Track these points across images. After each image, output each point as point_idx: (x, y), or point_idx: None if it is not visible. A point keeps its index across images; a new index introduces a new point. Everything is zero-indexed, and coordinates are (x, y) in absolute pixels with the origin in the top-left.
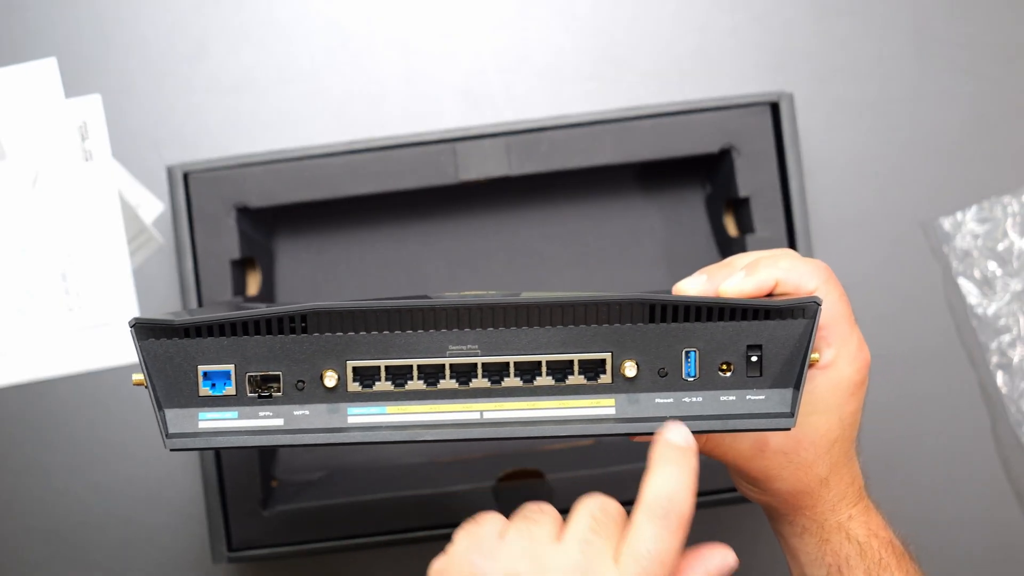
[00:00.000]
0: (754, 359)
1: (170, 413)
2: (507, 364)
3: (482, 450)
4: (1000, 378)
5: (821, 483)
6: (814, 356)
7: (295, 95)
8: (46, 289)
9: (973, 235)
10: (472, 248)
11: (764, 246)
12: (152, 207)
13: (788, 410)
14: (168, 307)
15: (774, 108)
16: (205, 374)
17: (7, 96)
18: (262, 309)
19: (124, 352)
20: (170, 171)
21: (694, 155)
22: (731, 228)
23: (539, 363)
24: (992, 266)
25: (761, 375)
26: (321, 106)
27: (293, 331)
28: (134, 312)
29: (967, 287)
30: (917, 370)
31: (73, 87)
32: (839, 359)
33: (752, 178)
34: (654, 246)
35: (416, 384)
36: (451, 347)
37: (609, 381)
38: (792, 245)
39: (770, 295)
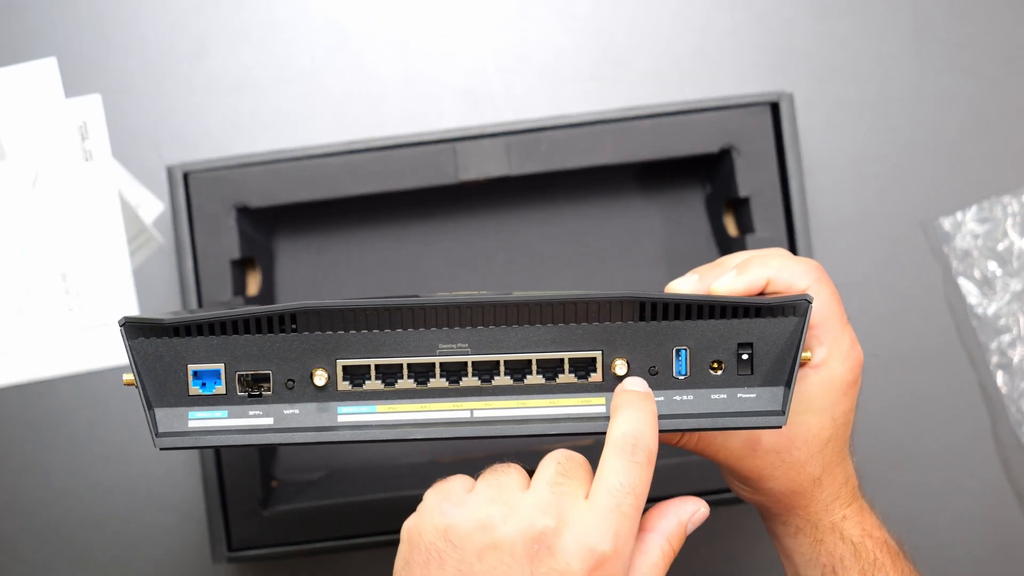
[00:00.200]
0: (745, 357)
1: (160, 412)
2: (497, 363)
3: (483, 449)
4: (1000, 378)
5: (814, 483)
6: (806, 355)
7: (295, 95)
8: (46, 289)
9: (973, 235)
10: (472, 248)
11: (764, 246)
12: (152, 207)
13: (779, 408)
14: (168, 307)
15: (774, 108)
16: (195, 373)
17: (7, 96)
18: (252, 308)
19: (124, 352)
20: (170, 171)
21: (694, 155)
22: (731, 228)
23: (529, 362)
24: (992, 266)
25: (752, 373)
26: (321, 106)
27: (283, 330)
28: (134, 312)
29: (967, 287)
30: (917, 370)
31: (73, 87)
32: (831, 358)
33: (752, 178)
34: (654, 246)
35: (406, 383)
36: (441, 346)
37: (600, 380)
38: (792, 245)
39: (761, 294)
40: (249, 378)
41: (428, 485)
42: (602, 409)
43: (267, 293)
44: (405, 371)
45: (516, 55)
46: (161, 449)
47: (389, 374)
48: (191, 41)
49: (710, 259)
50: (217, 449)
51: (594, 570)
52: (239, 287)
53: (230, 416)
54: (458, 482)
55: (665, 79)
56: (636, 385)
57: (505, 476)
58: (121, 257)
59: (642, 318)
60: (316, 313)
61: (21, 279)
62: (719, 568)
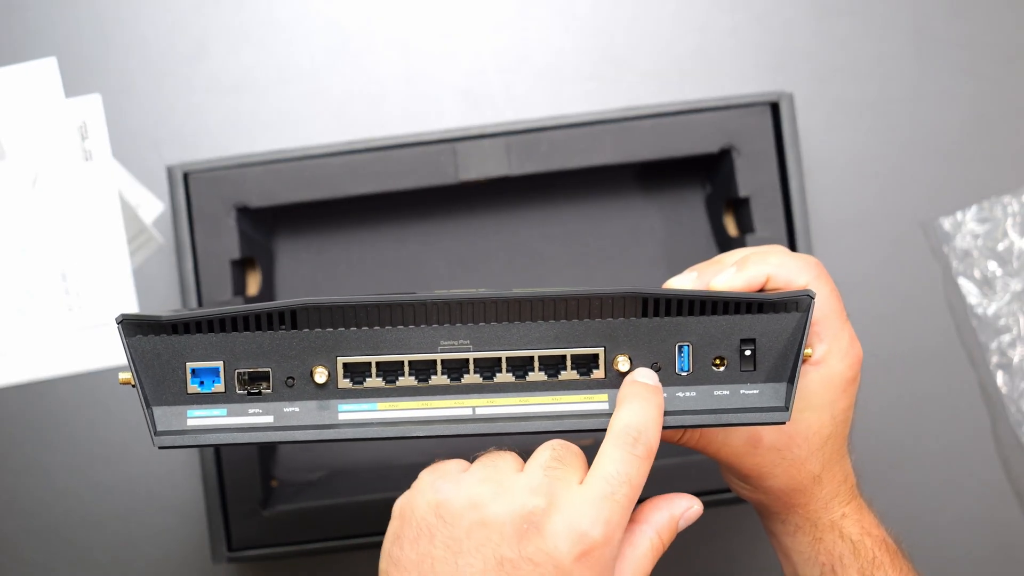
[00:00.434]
0: (747, 353)
1: (158, 411)
2: (499, 359)
3: (484, 448)
4: (1000, 378)
5: (814, 480)
6: (806, 352)
7: (295, 95)
8: (46, 289)
9: (973, 235)
10: (472, 248)
11: (763, 245)
12: (152, 207)
13: (783, 404)
14: (168, 307)
15: (774, 108)
16: (193, 371)
17: (7, 96)
18: (251, 305)
19: (122, 351)
20: (170, 171)
21: (694, 155)
22: (731, 228)
23: (531, 358)
24: (992, 266)
25: (755, 369)
26: (321, 106)
27: (283, 327)
28: (134, 312)
29: (967, 287)
30: (917, 370)
31: (73, 87)
32: (831, 355)
33: (752, 178)
34: (654, 246)
35: (407, 380)
36: (442, 343)
37: (602, 376)
38: (792, 245)
39: (761, 291)
40: (248, 376)
41: None
42: (604, 406)
43: (267, 293)
44: (406, 368)
45: (516, 55)
46: (160, 448)
47: (390, 371)
48: (191, 41)
49: (710, 259)
50: (217, 448)
51: (582, 556)
52: (239, 287)
53: (229, 414)
54: (454, 463)
55: (665, 79)
56: (646, 377)
57: (500, 459)
58: (121, 257)
59: (644, 314)
60: (316, 310)
61: (21, 279)
62: (719, 568)
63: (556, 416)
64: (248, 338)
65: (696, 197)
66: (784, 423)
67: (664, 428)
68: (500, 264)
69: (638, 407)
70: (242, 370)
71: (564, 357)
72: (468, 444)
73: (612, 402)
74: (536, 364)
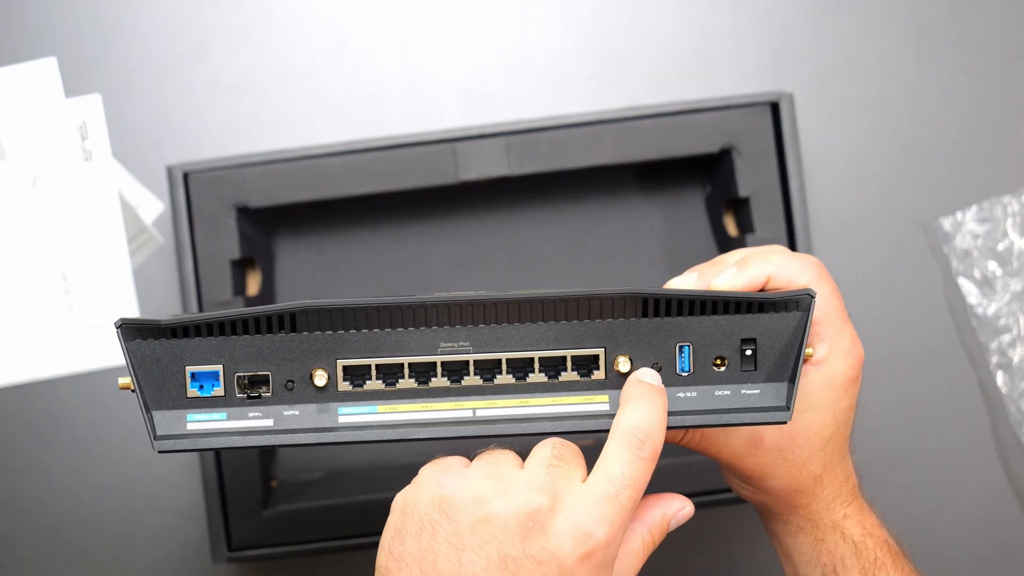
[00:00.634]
0: (748, 353)
1: (158, 415)
2: (499, 361)
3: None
4: (1000, 378)
5: (815, 481)
6: (807, 351)
7: (295, 95)
8: (46, 289)
9: (973, 235)
10: (472, 248)
11: (764, 245)
12: (152, 207)
13: (784, 404)
14: (168, 307)
15: (774, 108)
16: (193, 375)
17: (7, 96)
18: (250, 308)
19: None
20: (170, 171)
21: (694, 155)
22: (731, 228)
23: (532, 360)
24: (992, 266)
25: (755, 369)
26: (321, 106)
27: (282, 330)
28: (134, 312)
29: (967, 287)
30: (917, 370)
31: (73, 87)
32: (832, 355)
33: (752, 178)
34: (654, 246)
35: (407, 382)
36: (442, 344)
37: (603, 377)
38: (792, 245)
39: (762, 291)
40: (248, 379)
41: None
42: (605, 407)
43: (267, 293)
44: (406, 371)
45: (516, 55)
46: (160, 452)
47: (390, 374)
48: (191, 41)
49: (710, 259)
50: (217, 451)
51: (585, 556)
52: (239, 287)
53: (229, 418)
54: (454, 459)
55: (665, 79)
56: (650, 378)
57: (500, 456)
58: (121, 257)
59: (645, 315)
60: (316, 313)
61: (21, 279)
62: (719, 568)
63: (556, 417)
64: (247, 341)
65: (696, 197)
66: (785, 423)
67: (667, 429)
68: (500, 264)
69: (644, 408)
70: (241, 374)
71: (564, 358)
72: (467, 446)
73: (613, 403)
74: (536, 365)
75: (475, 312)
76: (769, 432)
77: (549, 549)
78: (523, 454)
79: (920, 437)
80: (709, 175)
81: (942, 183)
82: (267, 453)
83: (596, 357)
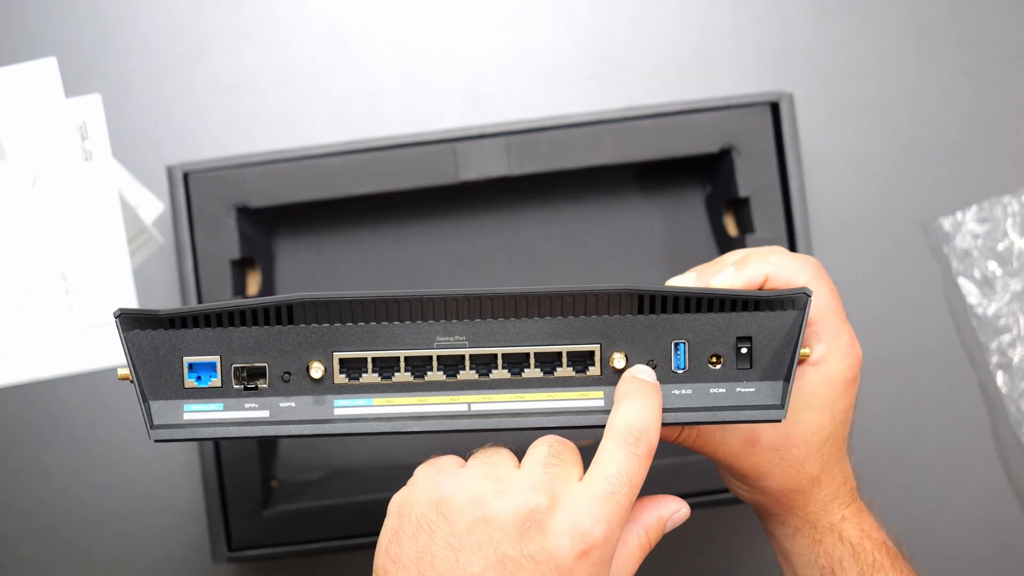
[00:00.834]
0: (744, 351)
1: (155, 405)
2: (495, 356)
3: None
4: (1000, 378)
5: (813, 482)
6: (805, 351)
7: (295, 95)
8: (46, 289)
9: (973, 235)
10: (472, 248)
11: (764, 245)
12: (152, 207)
13: (779, 402)
14: (168, 307)
15: (774, 108)
16: (191, 366)
17: (7, 96)
18: (248, 300)
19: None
20: (170, 171)
21: (694, 155)
22: (731, 228)
23: (527, 355)
24: (992, 266)
25: (751, 367)
26: (321, 106)
27: (279, 322)
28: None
29: (967, 287)
30: (917, 370)
31: (73, 87)
32: (830, 355)
33: (752, 178)
34: (654, 246)
35: (403, 376)
36: (438, 339)
37: (598, 373)
38: (792, 245)
39: (760, 290)
40: (245, 371)
41: None
42: (600, 403)
43: (267, 293)
44: (402, 364)
45: (516, 55)
46: (156, 441)
47: (386, 367)
48: (191, 41)
49: (710, 259)
50: (216, 445)
51: (583, 555)
52: (239, 287)
53: (226, 409)
54: (450, 459)
55: (665, 79)
56: (644, 374)
57: (496, 455)
58: (121, 257)
59: (640, 311)
60: (313, 305)
61: (21, 279)
62: (719, 568)
63: (551, 413)
64: (245, 333)
65: (696, 197)
66: (780, 421)
67: (662, 426)
68: (500, 264)
69: (639, 405)
70: (239, 365)
71: (560, 354)
72: (462, 440)
73: (608, 399)
74: (532, 361)
75: (471, 306)
76: (766, 431)
77: (548, 549)
78: (518, 452)
79: (920, 437)
80: (709, 175)
81: (942, 183)
82: (267, 452)
83: (592, 353)
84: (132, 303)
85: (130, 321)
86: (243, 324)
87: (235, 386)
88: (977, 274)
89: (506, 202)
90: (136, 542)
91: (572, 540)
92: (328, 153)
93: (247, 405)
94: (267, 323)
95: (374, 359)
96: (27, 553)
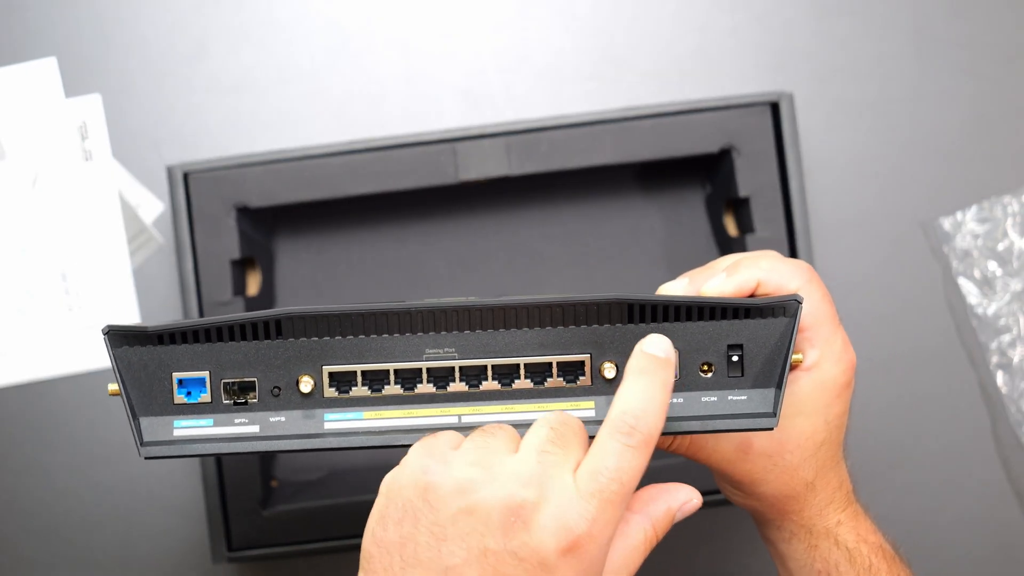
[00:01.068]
0: (735, 359)
1: (145, 421)
2: (485, 367)
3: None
4: (1000, 378)
5: (807, 487)
6: (797, 357)
7: (295, 95)
8: (46, 289)
9: (973, 235)
10: (472, 248)
11: (764, 246)
12: (152, 207)
13: (770, 410)
14: (168, 307)
15: (774, 108)
16: (180, 381)
17: (7, 96)
18: (236, 315)
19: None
20: (170, 171)
21: (694, 155)
22: (731, 228)
23: (517, 366)
24: (992, 266)
25: (742, 375)
26: (321, 106)
27: (268, 336)
28: (134, 312)
29: (967, 287)
30: (917, 370)
31: (73, 87)
32: (824, 360)
33: (752, 178)
34: (654, 246)
35: (393, 389)
36: (428, 351)
37: (588, 383)
38: (792, 245)
39: (752, 296)
40: (235, 386)
41: None
42: (591, 413)
43: (267, 293)
44: (392, 377)
45: (516, 55)
46: (146, 458)
47: (376, 380)
48: (191, 41)
49: (710, 259)
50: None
51: (568, 551)
52: (239, 287)
53: (216, 424)
54: (445, 438)
55: (665, 79)
56: (655, 347)
57: (493, 438)
58: (121, 257)
59: (631, 320)
60: (301, 319)
61: (21, 279)
62: (719, 568)
63: None
64: (234, 348)
65: (696, 197)
66: (772, 429)
67: None
68: (500, 264)
69: (640, 388)
70: (228, 380)
71: (550, 364)
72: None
73: (599, 409)
74: (522, 372)
75: (460, 318)
76: (759, 438)
77: (531, 545)
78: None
79: (920, 437)
80: (709, 175)
81: (942, 183)
82: (267, 453)
83: (582, 363)
84: (132, 303)
85: (119, 338)
86: (232, 339)
87: (225, 401)
88: (977, 274)
89: (506, 202)
90: (136, 542)
91: (556, 537)
92: (328, 153)
93: (237, 420)
94: (256, 338)
95: (363, 372)
96: (27, 553)
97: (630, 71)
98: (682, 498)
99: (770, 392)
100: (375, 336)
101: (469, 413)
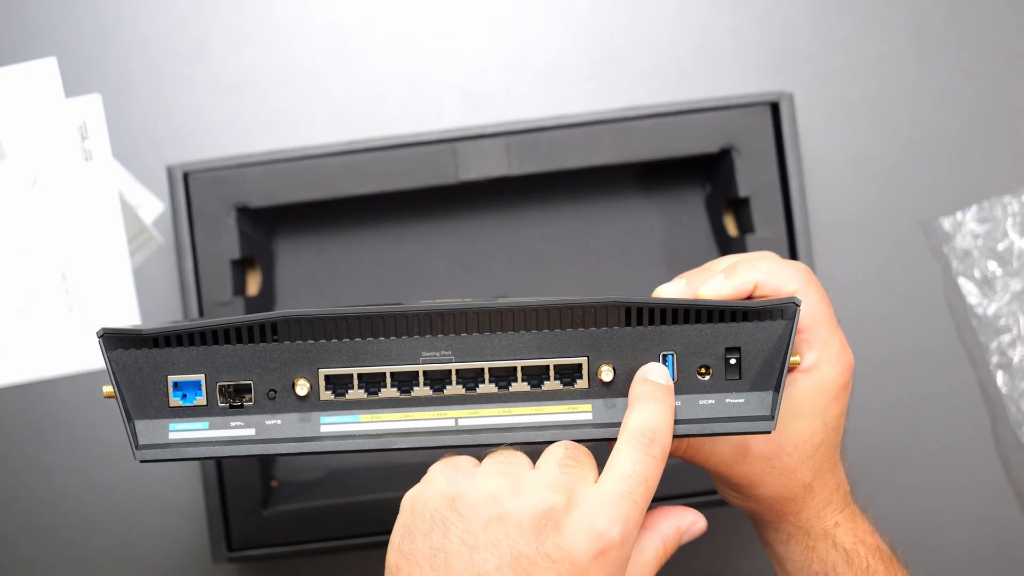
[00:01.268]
0: (733, 362)
1: (140, 424)
2: (482, 370)
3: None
4: (1000, 378)
5: (805, 489)
6: (795, 359)
7: (295, 95)
8: (46, 289)
9: (973, 235)
10: (472, 248)
11: (764, 246)
12: (152, 207)
13: (768, 413)
14: (168, 307)
15: (774, 108)
16: (175, 384)
17: (7, 96)
18: (232, 318)
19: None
20: (170, 171)
21: (694, 155)
22: (731, 228)
23: (514, 369)
24: (992, 266)
25: (740, 378)
26: (321, 106)
27: (264, 339)
28: (134, 312)
29: (967, 287)
30: (917, 370)
31: (73, 87)
32: (821, 362)
33: (752, 178)
34: (654, 246)
35: (390, 392)
36: (424, 354)
37: (586, 386)
38: (792, 245)
39: (750, 298)
40: (230, 389)
41: None
42: (588, 416)
43: (267, 293)
44: (388, 380)
45: (516, 55)
46: (142, 461)
47: (372, 383)
48: (191, 41)
49: (710, 259)
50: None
51: (599, 555)
52: (239, 287)
53: (211, 427)
54: (464, 459)
55: (665, 79)
56: (658, 376)
57: (512, 456)
58: (121, 257)
59: (628, 323)
60: (297, 322)
61: (21, 279)
62: (719, 568)
63: (539, 427)
64: (229, 351)
65: (696, 197)
66: (769, 432)
67: None
68: (500, 264)
69: (653, 408)
70: (224, 383)
71: (547, 367)
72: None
73: (596, 412)
74: (519, 375)
75: (457, 321)
76: (757, 440)
77: (564, 548)
78: (532, 457)
79: (920, 437)
80: (709, 175)
81: (942, 183)
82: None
83: (579, 366)
84: (132, 303)
85: (113, 340)
86: (227, 342)
87: (220, 404)
88: (977, 274)
89: (506, 202)
90: (136, 542)
91: (589, 540)
92: (328, 153)
93: (233, 423)
94: (251, 341)
95: (360, 375)
96: (27, 553)
97: (630, 71)
98: (690, 519)
99: (768, 395)
100: (371, 339)
101: (466, 416)
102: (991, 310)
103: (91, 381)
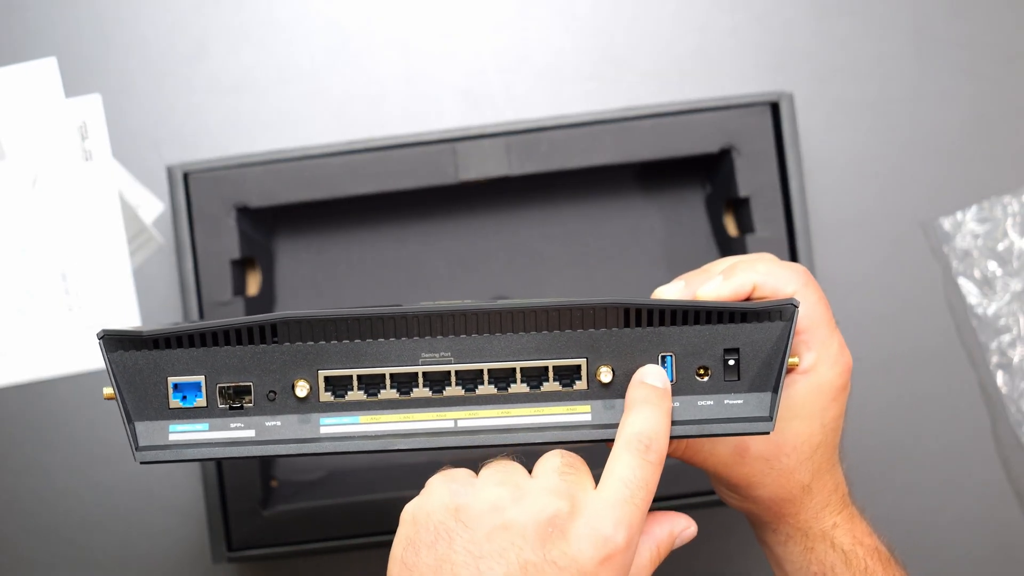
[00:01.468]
0: (731, 363)
1: (140, 426)
2: (481, 372)
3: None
4: (1000, 378)
5: (804, 490)
6: (793, 360)
7: (295, 95)
8: (46, 289)
9: (973, 235)
10: (472, 248)
11: (764, 246)
12: (152, 207)
13: (767, 414)
14: (168, 307)
15: (774, 108)
16: (175, 386)
17: (7, 96)
18: (231, 319)
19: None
20: (170, 171)
21: (694, 155)
22: (731, 228)
23: (513, 370)
24: (992, 266)
25: (739, 379)
26: (321, 106)
27: (264, 341)
28: (134, 312)
29: (967, 287)
30: (917, 370)
31: (73, 87)
32: (820, 363)
33: (752, 178)
34: (654, 246)
35: (389, 393)
36: (424, 355)
37: (585, 387)
38: (792, 245)
39: (748, 300)
40: (230, 390)
41: None
42: (587, 417)
43: (267, 293)
44: (388, 381)
45: (516, 55)
46: (142, 463)
47: (371, 384)
48: (191, 41)
49: (710, 259)
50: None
51: (605, 560)
52: (239, 287)
53: (211, 429)
54: (463, 471)
55: (665, 79)
56: (655, 379)
57: (510, 466)
58: (121, 257)
59: (627, 324)
60: (297, 323)
61: (21, 279)
62: (718, 568)
63: (538, 428)
64: (229, 352)
65: (696, 197)
66: (768, 433)
67: None
68: (500, 264)
69: (649, 413)
70: (224, 384)
71: (546, 369)
72: (452, 456)
73: (595, 413)
74: (518, 376)
75: (456, 322)
76: (755, 441)
77: (570, 554)
78: (526, 466)
79: (920, 437)
80: (709, 175)
81: (942, 183)
82: (263, 458)
83: (578, 367)
84: (132, 303)
85: (114, 342)
86: (227, 343)
87: (220, 405)
88: (977, 274)
89: (506, 202)
90: (136, 542)
91: (595, 545)
92: (328, 153)
93: (233, 425)
94: (251, 342)
95: (359, 376)
96: (27, 553)
97: (630, 71)
98: (682, 524)
99: (766, 396)
100: (371, 340)
101: (465, 417)
102: (991, 310)
103: (91, 381)
